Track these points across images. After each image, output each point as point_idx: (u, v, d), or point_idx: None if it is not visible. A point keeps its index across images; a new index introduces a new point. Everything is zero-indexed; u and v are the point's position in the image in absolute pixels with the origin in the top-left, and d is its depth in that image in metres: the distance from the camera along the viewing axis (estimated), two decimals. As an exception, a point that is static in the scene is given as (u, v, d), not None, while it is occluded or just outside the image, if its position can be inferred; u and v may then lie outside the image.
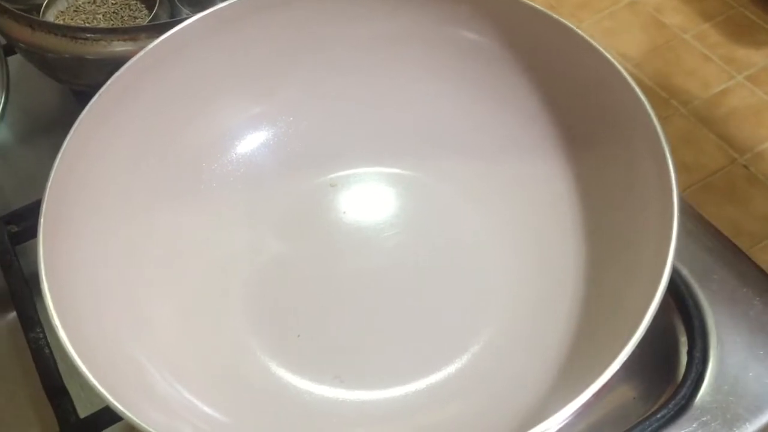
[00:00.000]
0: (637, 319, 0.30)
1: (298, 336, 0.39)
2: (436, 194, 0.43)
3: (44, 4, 0.50)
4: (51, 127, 0.53)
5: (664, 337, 0.39)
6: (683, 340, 0.39)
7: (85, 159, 0.37)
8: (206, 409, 0.35)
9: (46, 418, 0.39)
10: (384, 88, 0.44)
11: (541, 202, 0.41)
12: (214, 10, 0.40)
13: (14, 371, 0.42)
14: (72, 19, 0.51)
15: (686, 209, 0.42)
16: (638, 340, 0.29)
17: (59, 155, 0.36)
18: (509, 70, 0.41)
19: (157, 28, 0.43)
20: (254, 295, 0.40)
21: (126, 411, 0.29)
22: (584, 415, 0.38)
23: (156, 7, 0.50)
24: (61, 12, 0.51)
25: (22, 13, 0.45)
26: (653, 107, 0.35)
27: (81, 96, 0.52)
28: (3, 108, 0.47)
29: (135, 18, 0.51)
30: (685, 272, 0.40)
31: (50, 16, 0.51)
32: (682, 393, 0.37)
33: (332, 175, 0.44)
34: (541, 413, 0.31)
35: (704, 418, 0.36)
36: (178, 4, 0.51)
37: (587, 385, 0.29)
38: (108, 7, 0.51)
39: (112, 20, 0.51)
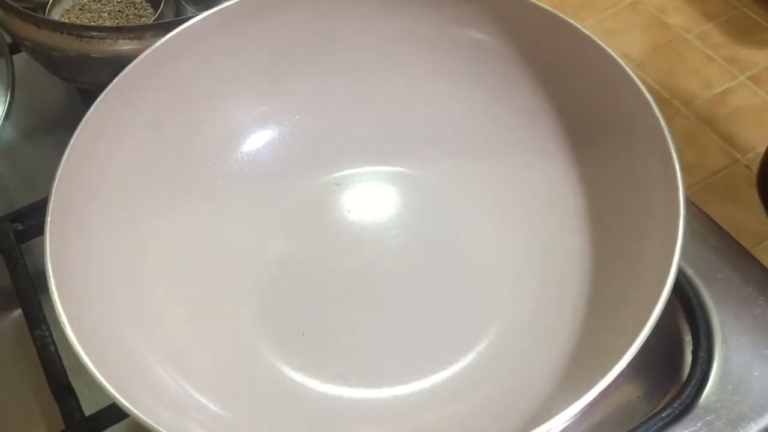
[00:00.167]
0: (642, 318, 0.30)
1: (303, 334, 0.39)
2: (440, 194, 0.43)
3: (49, 3, 0.50)
4: (56, 126, 0.53)
5: (669, 337, 0.40)
6: (688, 340, 0.39)
7: (91, 157, 0.37)
8: (211, 405, 0.35)
9: (51, 415, 0.39)
10: (389, 87, 0.44)
11: (546, 202, 0.41)
12: (220, 9, 0.41)
13: (20, 369, 0.42)
14: (77, 18, 0.51)
15: (691, 209, 0.42)
16: (643, 340, 0.29)
17: (66, 153, 0.36)
18: (514, 70, 0.42)
19: (162, 27, 0.43)
20: (259, 294, 0.40)
21: (133, 408, 0.29)
22: (589, 414, 0.38)
23: (161, 6, 0.50)
24: (67, 10, 0.51)
25: (27, 11, 0.45)
26: (656, 108, 0.35)
27: (86, 94, 0.52)
28: (8, 106, 0.47)
29: (140, 17, 0.51)
30: (689, 272, 0.40)
31: (56, 15, 0.51)
32: (686, 392, 0.37)
33: (337, 174, 0.44)
34: (546, 412, 0.31)
35: (709, 418, 0.36)
36: (183, 2, 0.51)
37: (593, 385, 0.29)
38: (113, 5, 0.51)
39: (117, 19, 0.51)
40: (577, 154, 0.40)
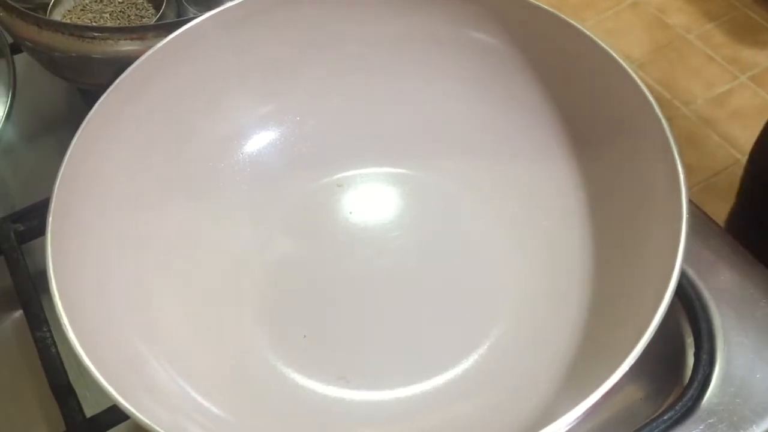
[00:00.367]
0: (645, 321, 0.30)
1: (304, 336, 0.39)
2: (443, 195, 0.43)
3: (51, 3, 0.50)
4: (57, 126, 0.53)
5: (671, 339, 0.39)
6: (690, 342, 0.39)
7: (93, 157, 0.37)
8: (212, 407, 0.35)
9: (52, 417, 0.39)
10: (391, 87, 0.44)
11: (549, 203, 0.41)
12: (222, 10, 0.41)
13: (20, 370, 0.42)
14: (79, 18, 0.51)
15: (693, 210, 0.42)
16: (646, 343, 0.29)
17: (67, 154, 0.36)
18: (518, 71, 0.41)
19: (164, 28, 0.43)
20: (261, 295, 0.40)
21: (134, 410, 0.29)
22: (591, 416, 0.38)
23: (163, 7, 0.49)
24: (68, 11, 0.51)
25: (29, 11, 0.45)
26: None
27: (87, 95, 0.52)
28: (9, 107, 0.47)
29: (142, 17, 0.51)
30: (691, 273, 0.40)
31: (57, 15, 0.51)
32: (688, 394, 0.37)
33: (339, 175, 0.44)
34: (548, 415, 0.31)
35: (711, 420, 0.36)
36: (185, 3, 0.51)
37: (595, 388, 0.29)
38: (115, 6, 0.51)
39: (119, 19, 0.51)
40: (580, 155, 0.40)
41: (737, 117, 1.33)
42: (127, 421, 0.37)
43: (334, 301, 0.40)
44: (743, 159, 1.23)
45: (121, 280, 0.36)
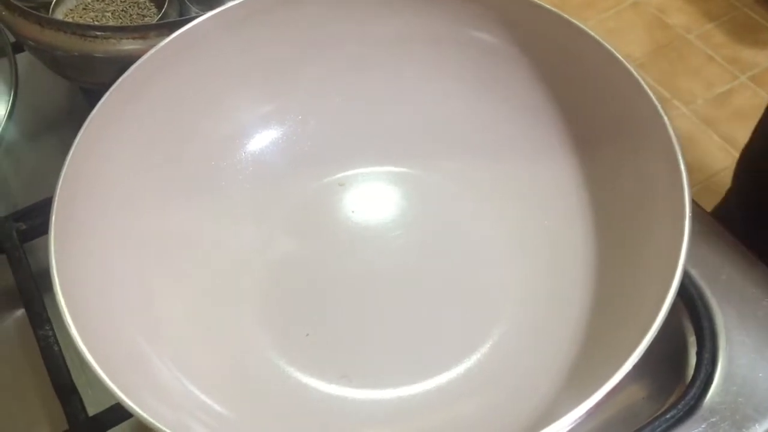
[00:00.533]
0: (647, 321, 0.30)
1: (307, 335, 0.39)
2: (444, 194, 0.43)
3: (53, 2, 0.50)
4: (59, 125, 0.53)
5: (673, 338, 0.40)
6: (692, 341, 0.39)
7: (95, 156, 0.37)
8: (215, 405, 0.35)
9: (54, 415, 0.39)
10: (393, 87, 0.44)
11: (550, 202, 0.41)
12: (224, 9, 0.41)
13: (22, 368, 0.42)
14: (81, 17, 0.51)
15: (695, 209, 0.41)
16: (649, 343, 0.29)
17: (71, 152, 0.36)
18: (519, 70, 0.42)
19: (166, 27, 0.43)
20: (263, 294, 0.40)
21: (137, 407, 0.29)
22: (593, 415, 0.38)
23: (165, 6, 0.50)
24: (70, 10, 0.51)
25: (31, 10, 0.45)
26: (659, 109, 0.35)
27: (89, 94, 0.52)
28: (11, 106, 0.47)
29: (144, 16, 0.51)
30: (693, 273, 0.40)
31: (59, 14, 0.51)
32: (691, 393, 0.37)
33: (341, 174, 0.44)
34: (550, 414, 0.31)
35: (713, 419, 0.36)
36: (187, 2, 0.51)
37: (597, 387, 0.29)
38: (117, 5, 0.51)
39: (120, 18, 0.51)
40: (581, 155, 0.40)
41: (737, 117, 1.33)
42: (129, 420, 0.37)
43: (336, 300, 0.40)
44: (743, 159, 1.23)
45: (124, 279, 0.36)
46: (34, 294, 0.41)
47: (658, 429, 0.36)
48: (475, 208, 0.43)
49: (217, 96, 0.43)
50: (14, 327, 0.44)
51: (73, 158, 0.36)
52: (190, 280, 0.39)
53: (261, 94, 0.44)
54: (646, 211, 0.36)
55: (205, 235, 0.41)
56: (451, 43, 0.43)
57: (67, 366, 0.38)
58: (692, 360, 0.39)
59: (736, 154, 0.74)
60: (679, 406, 0.36)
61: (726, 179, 1.22)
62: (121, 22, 0.50)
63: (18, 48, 0.50)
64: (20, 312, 0.44)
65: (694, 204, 0.41)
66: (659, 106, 0.35)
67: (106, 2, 0.51)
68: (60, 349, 0.39)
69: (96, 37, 0.44)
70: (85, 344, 0.30)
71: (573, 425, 0.29)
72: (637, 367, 0.29)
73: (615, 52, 0.37)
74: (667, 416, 0.36)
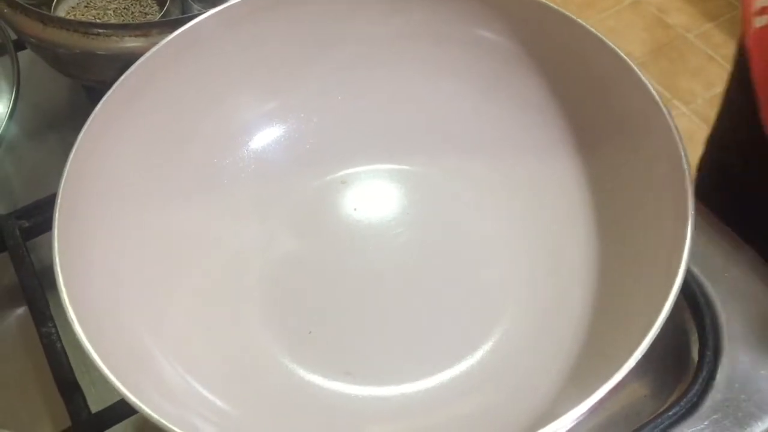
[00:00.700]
0: (650, 319, 0.30)
1: (310, 332, 0.39)
2: (447, 192, 0.43)
3: (55, 0, 0.50)
4: (61, 123, 0.53)
5: (676, 335, 0.40)
6: (694, 338, 0.39)
7: (98, 154, 0.37)
8: (218, 402, 0.35)
9: (57, 413, 0.39)
10: (396, 85, 0.44)
11: (553, 201, 0.41)
12: (226, 7, 0.40)
13: (25, 366, 0.42)
14: (83, 15, 0.51)
15: (697, 207, 0.42)
16: (651, 341, 0.29)
17: (74, 149, 0.36)
18: (522, 69, 0.42)
19: (169, 24, 0.43)
20: (266, 291, 0.40)
21: (141, 404, 0.29)
22: (596, 413, 0.38)
23: (167, 4, 0.50)
24: (72, 8, 0.51)
25: (33, 8, 0.45)
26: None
27: (91, 92, 0.52)
28: (13, 104, 0.47)
29: (146, 14, 0.51)
30: (696, 270, 0.40)
31: (61, 12, 0.51)
32: (693, 391, 0.37)
33: (343, 172, 0.44)
34: (553, 411, 0.31)
35: (715, 416, 0.36)
36: (189, 0, 0.51)
37: (600, 385, 0.29)
38: (119, 2, 0.51)
39: (122, 16, 0.51)
40: (585, 153, 0.40)
41: (737, 117, 1.32)
42: (132, 417, 0.37)
43: (338, 297, 0.40)
44: (743, 158, 1.23)
45: (127, 276, 0.36)
46: (36, 291, 0.41)
47: (661, 426, 0.36)
48: (477, 206, 0.43)
49: (220, 94, 0.43)
50: (16, 325, 0.44)
51: (77, 155, 0.36)
52: (193, 278, 0.39)
53: (263, 92, 0.44)
54: (649, 209, 0.36)
55: (208, 233, 0.41)
56: (455, 41, 0.43)
57: (69, 363, 0.38)
58: (694, 357, 0.39)
59: (736, 153, 0.74)
60: (682, 404, 0.36)
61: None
62: (123, 20, 0.50)
63: (20, 46, 0.50)
64: (22, 309, 0.44)
65: (696, 201, 0.41)
66: (663, 105, 0.35)
67: (108, 0, 0.51)
68: (63, 347, 0.39)
69: (98, 34, 0.44)
70: (89, 341, 0.30)
71: (575, 423, 0.29)
72: (639, 364, 0.29)
73: (619, 51, 0.37)
74: (670, 413, 0.36)
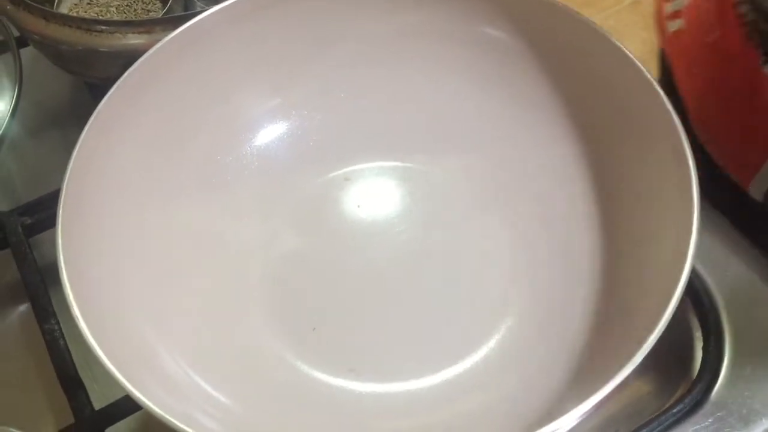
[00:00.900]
0: (654, 318, 0.30)
1: (314, 329, 0.39)
2: (450, 190, 0.43)
3: (58, -3, 0.50)
4: (63, 120, 0.53)
5: (679, 333, 0.39)
6: (698, 336, 0.39)
7: (101, 151, 0.37)
8: (222, 398, 0.35)
9: (59, 410, 0.39)
10: (399, 83, 0.44)
11: (557, 199, 0.41)
12: (230, 4, 0.40)
13: (28, 363, 0.42)
14: (85, 12, 0.51)
15: (702, 205, 0.41)
16: (655, 340, 0.29)
17: (77, 146, 0.36)
18: (526, 67, 0.41)
19: (172, 21, 0.43)
20: (270, 288, 0.40)
21: (146, 400, 0.29)
22: (599, 410, 0.38)
23: (170, 1, 0.49)
24: (75, 4, 0.51)
25: (36, 4, 0.45)
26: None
27: (94, 89, 0.52)
28: (16, 101, 0.47)
29: (148, 11, 0.51)
30: (700, 268, 0.40)
31: (64, 8, 0.51)
32: (697, 388, 0.37)
33: (346, 169, 0.44)
34: (556, 409, 0.31)
35: (720, 414, 0.36)
36: (191, -3, 0.51)
37: (603, 384, 0.29)
38: (121, -1, 0.51)
39: (125, 13, 0.51)
40: (589, 152, 0.40)
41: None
42: (135, 414, 0.37)
43: (342, 294, 0.40)
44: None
45: (130, 273, 0.36)
46: (39, 288, 0.41)
47: (665, 423, 0.36)
48: (480, 203, 0.42)
49: (223, 91, 0.43)
50: (19, 322, 0.44)
51: (80, 152, 0.36)
52: (197, 274, 0.39)
53: (267, 89, 0.44)
54: (654, 207, 0.36)
55: (212, 230, 0.41)
56: (457, 39, 0.43)
57: (72, 360, 0.38)
58: (698, 355, 0.39)
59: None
60: (686, 401, 0.36)
61: (726, 178, 1.22)
62: (126, 17, 0.50)
63: (22, 43, 0.50)
64: (24, 306, 0.44)
65: (703, 200, 0.41)
66: (668, 103, 0.35)
67: (111, -4, 0.51)
68: (66, 343, 0.39)
69: (101, 31, 0.44)
70: (94, 337, 0.30)
71: (579, 420, 0.29)
72: (642, 362, 0.29)
73: (625, 50, 0.37)
74: (674, 411, 0.36)
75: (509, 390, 0.36)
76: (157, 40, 0.40)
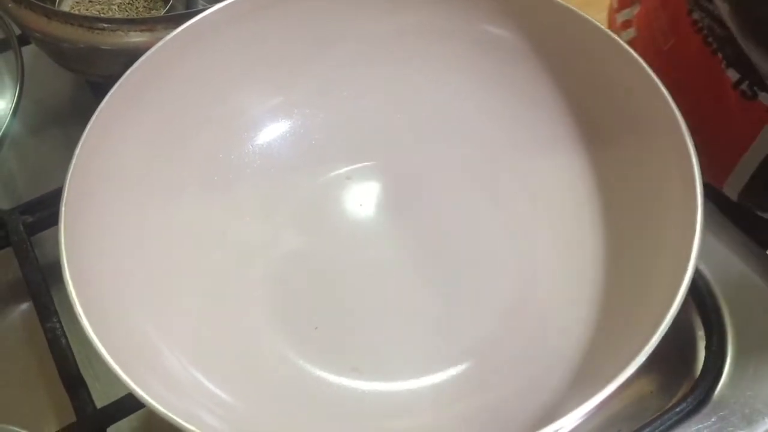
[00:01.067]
0: (657, 318, 0.30)
1: (316, 328, 0.39)
2: (453, 188, 0.43)
3: (59, -5, 0.50)
4: (65, 119, 0.53)
5: (682, 332, 0.39)
6: (701, 335, 0.39)
7: (104, 149, 0.37)
8: (224, 396, 0.35)
9: (61, 408, 0.39)
10: (403, 81, 0.44)
11: (560, 198, 0.40)
12: (232, 2, 0.40)
13: (29, 362, 0.42)
14: (87, 10, 0.51)
15: (704, 205, 0.41)
16: (659, 340, 0.29)
17: (80, 144, 0.36)
18: (529, 66, 0.41)
19: (174, 19, 0.43)
20: (272, 287, 0.40)
21: (151, 400, 0.29)
22: (602, 409, 0.38)
23: (172, -1, 0.49)
24: (77, 2, 0.51)
25: (37, 2, 0.45)
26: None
27: (95, 87, 0.52)
28: (17, 99, 0.46)
29: (150, 9, 0.51)
30: (702, 267, 0.40)
31: (65, 6, 0.51)
32: (700, 387, 0.37)
33: (348, 168, 0.44)
34: (559, 409, 0.31)
35: (722, 413, 0.36)
36: (193, -5, 0.51)
37: (606, 383, 0.29)
38: (123, -3, 0.51)
39: (127, 11, 0.50)
40: (592, 151, 0.40)
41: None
42: (137, 413, 0.37)
43: (345, 293, 0.40)
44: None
45: (133, 271, 0.36)
46: (41, 286, 0.41)
47: (668, 423, 0.36)
48: (483, 202, 0.42)
49: (225, 89, 0.43)
50: (21, 320, 0.44)
51: (82, 150, 0.36)
52: (199, 273, 0.39)
53: (268, 88, 0.44)
54: (657, 207, 0.36)
55: (214, 228, 0.41)
56: (459, 37, 0.43)
57: (74, 358, 0.38)
58: (701, 354, 0.39)
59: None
60: (689, 400, 0.36)
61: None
62: (128, 15, 0.50)
63: (24, 41, 0.50)
64: (26, 305, 0.44)
65: (706, 199, 0.41)
66: (672, 102, 0.35)
67: (112, -6, 0.51)
68: (67, 342, 0.39)
69: (103, 29, 0.44)
70: (97, 335, 0.30)
71: (583, 419, 0.29)
72: (645, 361, 0.29)
73: (628, 48, 0.37)
74: (677, 410, 0.36)
75: (511, 390, 0.36)
76: (159, 39, 0.40)
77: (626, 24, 0.48)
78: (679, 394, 0.38)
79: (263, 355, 0.38)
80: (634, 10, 0.50)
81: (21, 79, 0.47)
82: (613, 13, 0.48)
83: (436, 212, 0.43)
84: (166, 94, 0.40)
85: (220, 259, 0.40)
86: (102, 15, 0.50)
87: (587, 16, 0.38)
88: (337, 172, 0.44)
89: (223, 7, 0.40)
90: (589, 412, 0.29)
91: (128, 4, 0.51)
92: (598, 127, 0.40)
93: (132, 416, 0.37)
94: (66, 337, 0.39)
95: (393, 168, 0.44)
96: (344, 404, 0.36)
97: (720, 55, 0.42)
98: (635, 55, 0.36)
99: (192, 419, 0.29)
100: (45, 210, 0.44)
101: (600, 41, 0.38)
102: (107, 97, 0.37)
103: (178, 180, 0.40)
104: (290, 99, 0.44)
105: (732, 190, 0.46)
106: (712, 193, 0.42)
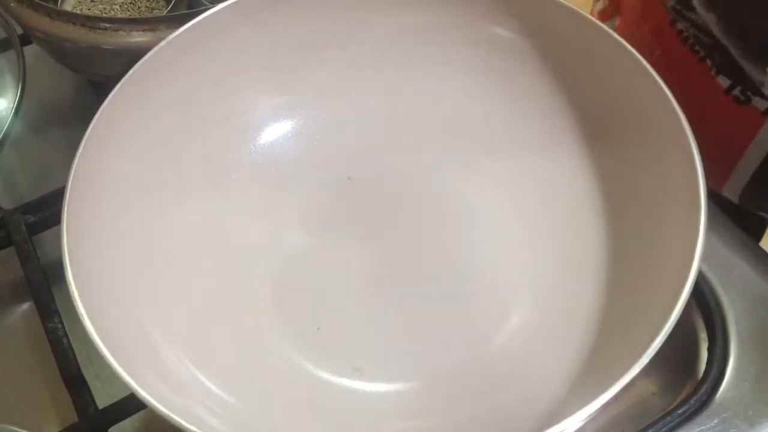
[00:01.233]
0: (662, 318, 0.30)
1: (318, 328, 0.39)
2: (457, 188, 0.43)
3: (61, -6, 0.50)
4: (66, 118, 0.53)
5: (684, 333, 0.39)
6: (703, 336, 0.39)
7: (106, 149, 0.37)
8: (227, 397, 0.35)
9: (63, 409, 0.39)
10: (406, 82, 0.44)
11: (564, 199, 0.40)
12: (235, 1, 0.40)
13: (31, 361, 0.42)
14: (89, 9, 0.51)
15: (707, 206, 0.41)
16: (662, 341, 0.29)
17: (82, 144, 0.36)
18: (533, 67, 0.41)
19: (176, 19, 0.43)
20: (273, 287, 0.40)
21: (153, 401, 0.29)
22: (604, 411, 0.37)
23: (174, -2, 0.49)
24: (79, 2, 0.51)
25: (40, 2, 0.44)
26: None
27: (97, 87, 0.52)
28: (19, 98, 0.46)
29: (152, 9, 0.51)
30: (705, 268, 0.40)
31: (68, 6, 0.50)
32: (703, 389, 0.36)
33: (351, 168, 0.44)
34: (563, 411, 0.31)
35: (725, 415, 0.36)
36: (196, -6, 0.51)
37: (609, 386, 0.29)
38: (125, -4, 0.51)
39: (129, 11, 0.50)
40: (596, 152, 0.40)
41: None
42: (139, 413, 0.37)
43: (347, 293, 0.40)
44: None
45: (135, 271, 0.36)
46: (42, 286, 0.41)
47: (670, 424, 0.36)
48: (487, 203, 0.42)
49: (227, 89, 0.43)
50: (22, 320, 0.44)
51: (84, 150, 0.35)
52: (201, 273, 0.39)
53: (272, 87, 0.44)
54: (661, 208, 0.36)
55: (216, 228, 0.41)
56: (464, 39, 0.43)
57: (76, 358, 0.38)
58: (703, 356, 0.38)
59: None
60: (691, 402, 0.36)
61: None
62: (130, 15, 0.50)
63: (25, 40, 0.50)
64: (27, 305, 0.44)
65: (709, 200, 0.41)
66: (676, 105, 0.34)
67: (114, -6, 0.51)
68: (69, 342, 0.39)
69: (106, 29, 0.44)
70: (99, 335, 0.30)
71: (586, 420, 0.29)
72: (648, 363, 0.29)
73: (633, 50, 0.36)
74: (680, 411, 0.36)
75: (515, 391, 0.36)
76: (162, 38, 0.40)
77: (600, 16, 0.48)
78: (682, 396, 0.38)
79: (265, 356, 0.38)
80: (615, 23, 0.50)
81: (23, 78, 0.47)
82: None
83: (441, 213, 0.43)
84: (168, 93, 0.40)
85: (222, 258, 0.40)
86: (104, 15, 0.50)
87: (591, 17, 0.38)
88: (340, 171, 0.44)
89: (226, 6, 0.40)
90: (594, 413, 0.29)
91: (130, 3, 0.51)
92: (603, 129, 0.40)
93: (134, 416, 0.37)
94: (67, 337, 0.39)
95: (396, 168, 0.44)
96: (346, 404, 0.36)
97: (709, 62, 0.42)
98: (639, 56, 0.36)
99: (193, 419, 0.29)
100: (47, 210, 0.44)
101: (603, 42, 0.38)
102: (109, 97, 0.37)
103: (180, 180, 0.40)
104: (294, 99, 0.44)
105: (732, 193, 0.46)
106: (712, 194, 0.42)
